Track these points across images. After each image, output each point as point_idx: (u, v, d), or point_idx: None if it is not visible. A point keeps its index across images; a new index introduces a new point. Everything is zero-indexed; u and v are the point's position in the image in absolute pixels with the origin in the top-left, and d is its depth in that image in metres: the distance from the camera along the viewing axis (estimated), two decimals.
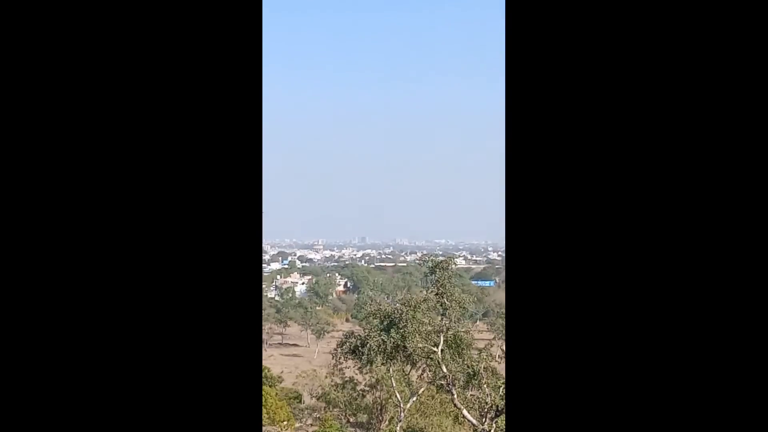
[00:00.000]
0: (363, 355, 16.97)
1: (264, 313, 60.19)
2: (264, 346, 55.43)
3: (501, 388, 15.81)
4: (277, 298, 71.86)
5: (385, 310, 17.35)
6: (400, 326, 16.62)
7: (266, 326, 60.56)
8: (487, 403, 16.18)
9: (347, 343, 17.66)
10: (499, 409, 15.79)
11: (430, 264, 17.81)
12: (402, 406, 18.93)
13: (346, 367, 21.22)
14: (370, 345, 16.63)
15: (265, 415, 26.70)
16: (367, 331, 17.31)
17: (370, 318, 17.72)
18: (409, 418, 19.98)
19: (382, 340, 16.59)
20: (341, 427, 24.67)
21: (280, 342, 61.18)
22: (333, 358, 20.30)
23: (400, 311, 16.81)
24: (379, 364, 17.45)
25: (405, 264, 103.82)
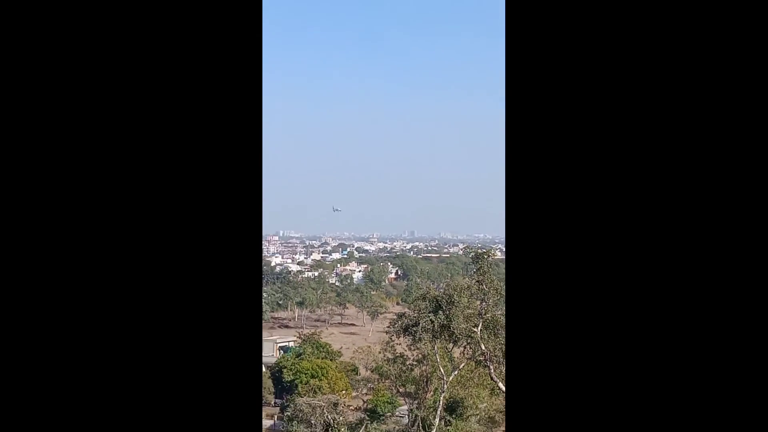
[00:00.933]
0: (415, 333, 18.93)
1: (325, 296, 67.69)
2: (325, 325, 60.78)
3: None
4: (337, 283, 78.92)
5: (432, 294, 19.34)
6: (446, 309, 18.62)
7: (327, 308, 68.02)
8: None
9: (399, 322, 19.74)
10: None
11: (473, 255, 20.05)
12: (445, 378, 20.40)
13: (397, 344, 23.31)
14: (423, 325, 18.51)
15: (326, 385, 29.70)
16: (417, 312, 19.22)
17: (418, 301, 19.68)
18: (451, 390, 21.68)
19: (431, 320, 18.51)
20: (392, 396, 26.99)
21: (340, 322, 67.62)
22: (387, 335, 22.51)
23: (447, 295, 18.80)
24: (427, 342, 19.32)
25: (448, 255, 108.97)
